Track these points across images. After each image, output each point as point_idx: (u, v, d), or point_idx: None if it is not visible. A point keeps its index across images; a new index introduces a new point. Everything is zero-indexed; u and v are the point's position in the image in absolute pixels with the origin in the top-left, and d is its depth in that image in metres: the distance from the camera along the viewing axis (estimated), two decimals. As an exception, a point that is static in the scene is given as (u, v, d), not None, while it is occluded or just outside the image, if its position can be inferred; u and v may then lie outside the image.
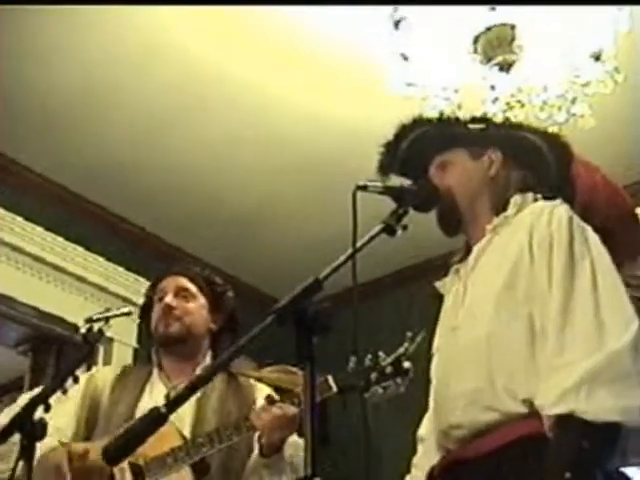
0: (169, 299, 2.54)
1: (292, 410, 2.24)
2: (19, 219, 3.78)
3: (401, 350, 2.28)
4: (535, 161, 1.98)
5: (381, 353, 2.31)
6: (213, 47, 3.28)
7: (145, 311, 2.64)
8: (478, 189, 1.98)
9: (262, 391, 2.50)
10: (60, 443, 2.36)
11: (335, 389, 2.27)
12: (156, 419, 1.39)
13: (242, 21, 3.16)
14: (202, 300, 2.59)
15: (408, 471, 2.10)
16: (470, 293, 1.90)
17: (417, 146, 2.05)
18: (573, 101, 2.81)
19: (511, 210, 1.93)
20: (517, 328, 1.74)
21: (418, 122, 2.05)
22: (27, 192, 3.91)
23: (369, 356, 2.31)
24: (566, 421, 1.58)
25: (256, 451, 2.35)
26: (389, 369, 2.27)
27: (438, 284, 2.08)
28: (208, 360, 2.57)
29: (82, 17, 3.11)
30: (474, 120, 2.04)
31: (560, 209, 1.83)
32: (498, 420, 1.71)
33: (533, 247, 1.79)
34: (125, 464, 2.27)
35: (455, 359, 1.85)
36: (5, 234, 3.73)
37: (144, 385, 2.49)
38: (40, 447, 2.21)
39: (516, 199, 1.94)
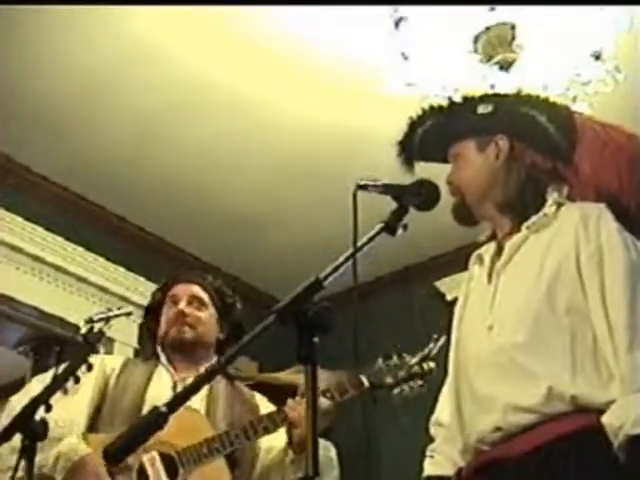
0: (183, 306, 2.58)
1: (326, 403, 2.27)
2: (19, 219, 3.78)
3: (426, 351, 2.34)
4: (542, 140, 1.92)
5: (405, 355, 2.38)
6: (215, 49, 3.28)
7: (153, 312, 2.65)
8: (486, 185, 1.95)
9: (261, 399, 2.56)
10: (83, 436, 2.33)
11: (367, 384, 2.32)
12: (157, 418, 1.39)
13: (241, 22, 3.16)
14: (212, 310, 2.63)
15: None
16: (503, 292, 1.85)
17: (428, 142, 2.03)
18: (573, 100, 2.81)
19: (549, 208, 1.88)
20: (558, 340, 1.72)
21: (424, 116, 2.03)
22: (27, 192, 3.91)
23: (395, 356, 2.37)
24: None
25: (282, 444, 2.36)
26: (416, 368, 2.34)
27: (439, 283, 2.07)
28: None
29: (79, 19, 3.11)
30: (482, 99, 2.00)
31: (608, 216, 1.79)
32: (541, 420, 1.69)
33: (581, 258, 1.75)
34: (155, 454, 2.26)
35: (488, 360, 1.80)
36: (5, 234, 3.73)
37: (151, 374, 2.50)
38: (60, 446, 2.21)
39: (554, 197, 1.89)
